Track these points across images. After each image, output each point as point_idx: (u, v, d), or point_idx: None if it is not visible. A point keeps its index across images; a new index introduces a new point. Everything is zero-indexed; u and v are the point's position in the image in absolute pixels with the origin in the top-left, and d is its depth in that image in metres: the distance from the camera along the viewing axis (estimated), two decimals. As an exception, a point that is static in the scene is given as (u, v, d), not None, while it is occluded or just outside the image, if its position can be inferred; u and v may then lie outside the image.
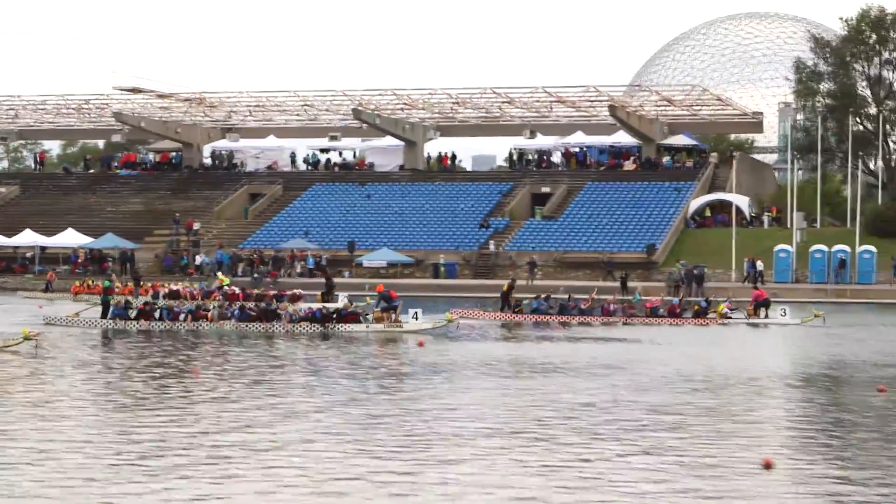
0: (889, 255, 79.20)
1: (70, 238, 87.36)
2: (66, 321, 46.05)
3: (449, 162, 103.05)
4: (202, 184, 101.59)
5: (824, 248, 78.41)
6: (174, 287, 58.07)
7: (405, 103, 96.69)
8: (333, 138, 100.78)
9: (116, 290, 53.91)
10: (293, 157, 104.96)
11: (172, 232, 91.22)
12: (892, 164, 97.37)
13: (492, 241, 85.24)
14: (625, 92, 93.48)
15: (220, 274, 71.58)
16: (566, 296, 54.98)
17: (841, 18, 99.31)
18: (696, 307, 52.57)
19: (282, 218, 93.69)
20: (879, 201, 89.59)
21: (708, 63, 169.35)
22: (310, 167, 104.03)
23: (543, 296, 54.49)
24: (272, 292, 53.69)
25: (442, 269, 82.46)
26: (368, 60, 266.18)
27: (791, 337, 44.86)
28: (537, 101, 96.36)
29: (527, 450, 19.11)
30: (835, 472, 17.75)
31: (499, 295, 54.60)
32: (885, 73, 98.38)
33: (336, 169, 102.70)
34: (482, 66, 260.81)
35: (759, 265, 76.81)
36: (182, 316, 45.78)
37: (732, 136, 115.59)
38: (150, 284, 62.37)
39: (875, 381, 29.56)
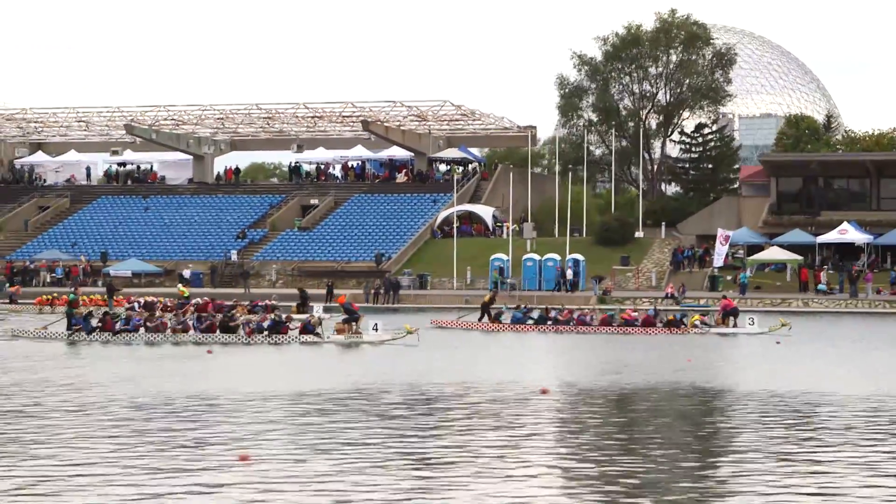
0: (610, 263, 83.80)
1: None
2: (34, 334, 45.86)
3: (233, 175, 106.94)
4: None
5: (536, 256, 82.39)
6: (149, 299, 58.59)
7: (174, 119, 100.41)
8: (115, 153, 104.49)
9: (81, 303, 54.03)
10: (88, 170, 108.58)
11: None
12: (650, 176, 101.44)
13: (234, 252, 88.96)
14: (382, 108, 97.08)
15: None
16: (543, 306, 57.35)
17: (597, 38, 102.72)
18: (671, 318, 53.72)
19: (58, 230, 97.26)
20: (613, 211, 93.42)
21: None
22: (111, 181, 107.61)
23: (524, 307, 57.41)
24: (245, 303, 54.66)
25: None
26: (142, 76, 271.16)
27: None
28: (296, 117, 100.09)
29: None
30: None
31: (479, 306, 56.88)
32: (646, 86, 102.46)
33: (129, 182, 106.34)
34: (266, 82, 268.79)
35: (569, 273, 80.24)
36: (141, 327, 45.47)
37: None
38: (122, 297, 64.40)
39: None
